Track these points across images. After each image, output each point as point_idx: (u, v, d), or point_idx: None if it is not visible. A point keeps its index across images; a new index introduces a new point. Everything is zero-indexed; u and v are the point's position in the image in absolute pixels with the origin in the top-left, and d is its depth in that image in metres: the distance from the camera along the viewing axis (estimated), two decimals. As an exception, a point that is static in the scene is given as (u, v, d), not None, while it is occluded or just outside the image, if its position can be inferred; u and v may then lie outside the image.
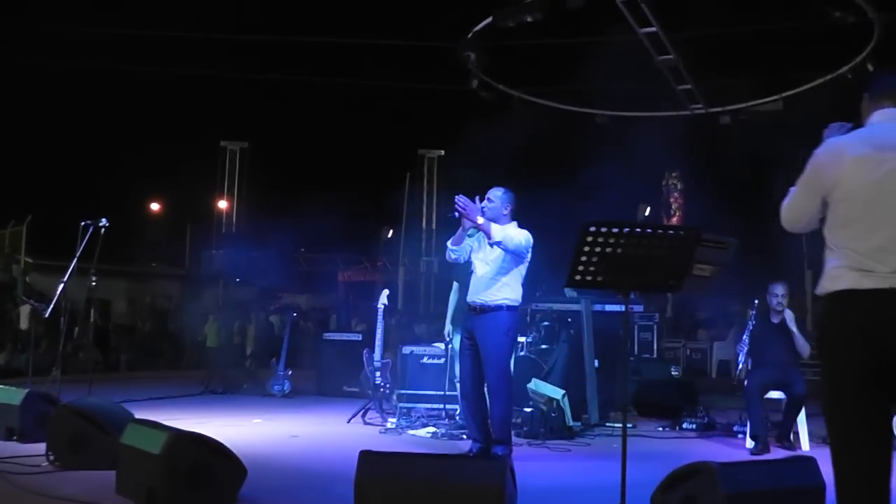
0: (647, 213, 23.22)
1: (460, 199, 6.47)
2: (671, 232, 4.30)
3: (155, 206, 32.11)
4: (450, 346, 8.87)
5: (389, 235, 26.68)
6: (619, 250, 4.11)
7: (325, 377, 12.10)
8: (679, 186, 25.06)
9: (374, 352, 9.19)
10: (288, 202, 24.81)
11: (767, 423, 7.99)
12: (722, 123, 14.95)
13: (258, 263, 17.59)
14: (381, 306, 9.24)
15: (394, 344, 10.97)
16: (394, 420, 8.74)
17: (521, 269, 6.74)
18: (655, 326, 14.07)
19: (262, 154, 24.83)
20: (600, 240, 4.10)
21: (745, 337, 8.10)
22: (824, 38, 12.89)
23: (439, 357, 9.59)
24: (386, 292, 9.39)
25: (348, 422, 8.95)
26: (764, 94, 14.34)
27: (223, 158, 24.01)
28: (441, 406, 9.22)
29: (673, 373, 11.68)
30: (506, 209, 6.72)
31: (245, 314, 18.57)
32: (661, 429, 9.10)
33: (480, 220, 6.42)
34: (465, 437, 7.43)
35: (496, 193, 6.75)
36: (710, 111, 14.80)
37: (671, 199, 25.07)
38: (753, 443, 7.74)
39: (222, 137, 24.11)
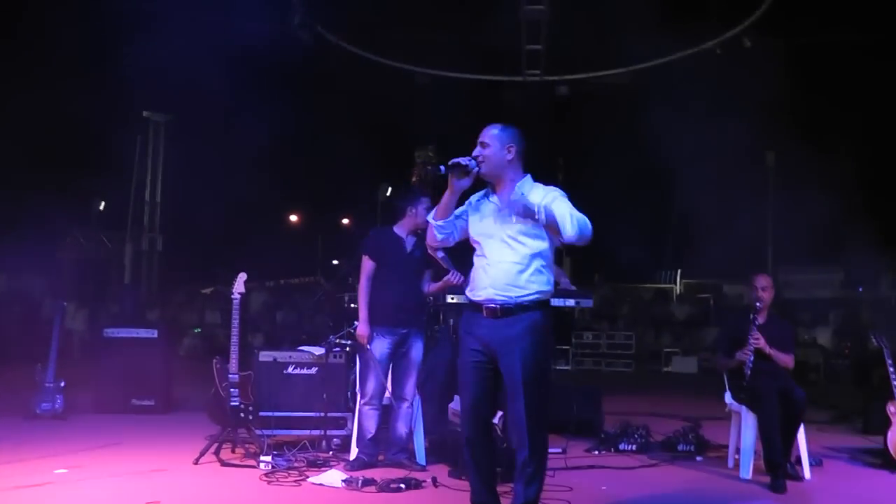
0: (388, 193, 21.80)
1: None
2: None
3: None
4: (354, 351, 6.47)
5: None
6: None
7: (105, 387, 9.07)
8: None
9: (228, 361, 6.51)
10: None
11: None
12: (558, 94, 13.30)
13: None
14: (237, 296, 6.59)
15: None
16: (267, 458, 6.11)
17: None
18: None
19: None
20: None
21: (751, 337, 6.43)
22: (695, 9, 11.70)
23: (310, 366, 7.04)
24: (243, 276, 6.70)
25: (196, 462, 6.22)
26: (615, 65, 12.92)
27: None
28: (315, 432, 6.73)
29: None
30: (510, 153, 4.45)
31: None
32: (596, 452, 7.22)
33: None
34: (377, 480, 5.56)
35: (492, 133, 4.49)
36: (546, 79, 13.08)
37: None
38: (772, 474, 6.00)
39: None
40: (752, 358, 6.44)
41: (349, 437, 6.62)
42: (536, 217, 4.19)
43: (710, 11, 11.49)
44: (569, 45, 12.55)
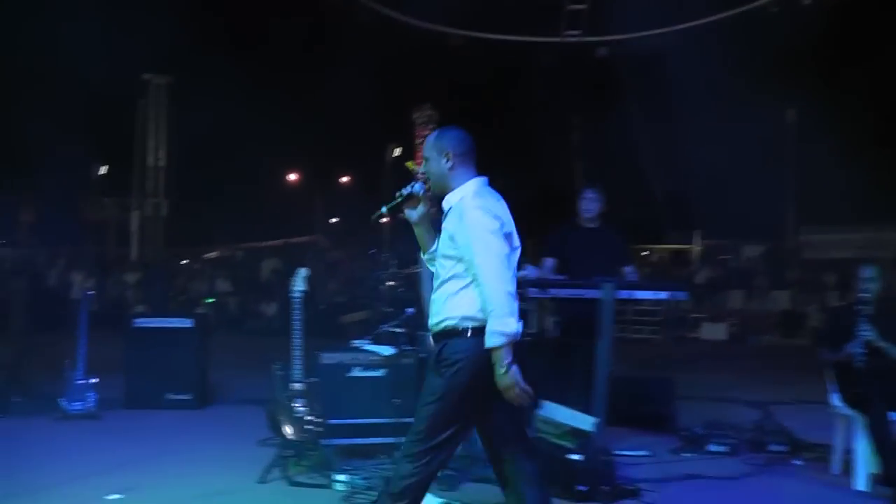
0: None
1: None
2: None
3: None
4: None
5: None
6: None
7: (137, 381, 8.45)
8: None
9: (292, 366, 5.89)
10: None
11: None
12: (597, 55, 12.59)
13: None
14: (297, 293, 5.95)
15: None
16: (342, 477, 5.51)
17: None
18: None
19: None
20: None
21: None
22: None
23: (377, 368, 6.42)
24: (304, 272, 6.04)
25: (262, 481, 5.62)
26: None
27: None
28: (388, 440, 6.12)
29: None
30: (448, 160, 3.86)
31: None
32: (685, 455, 6.66)
33: None
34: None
35: (428, 143, 3.97)
36: (586, 40, 12.36)
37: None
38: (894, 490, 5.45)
39: None
40: (861, 351, 5.88)
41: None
42: None
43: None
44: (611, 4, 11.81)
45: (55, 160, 20.41)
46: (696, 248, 26.72)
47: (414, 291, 8.46)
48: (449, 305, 3.71)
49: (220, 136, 22.12)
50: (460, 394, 3.62)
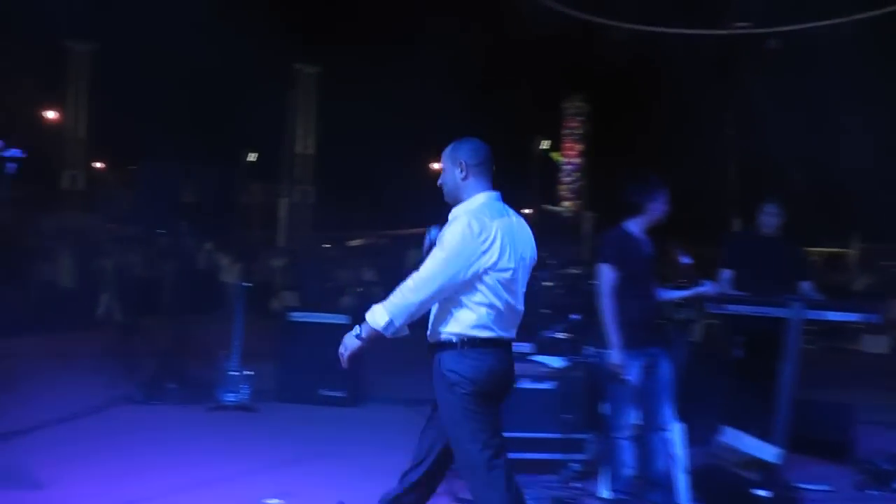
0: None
1: None
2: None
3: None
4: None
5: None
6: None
7: (291, 375, 8.47)
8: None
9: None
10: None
11: None
12: (767, 47, 11.94)
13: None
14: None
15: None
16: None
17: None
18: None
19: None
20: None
21: None
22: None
23: (544, 380, 6.14)
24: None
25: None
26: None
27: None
28: (552, 456, 5.86)
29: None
30: (462, 171, 3.94)
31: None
32: (873, 493, 6.14)
33: None
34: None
35: (445, 152, 4.05)
36: (755, 32, 11.71)
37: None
38: None
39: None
40: None
41: (590, 461, 5.79)
42: None
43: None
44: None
45: (208, 147, 21.00)
46: (852, 252, 25.36)
47: (578, 296, 8.15)
48: (440, 318, 3.81)
49: (366, 125, 22.28)
50: (471, 409, 3.72)
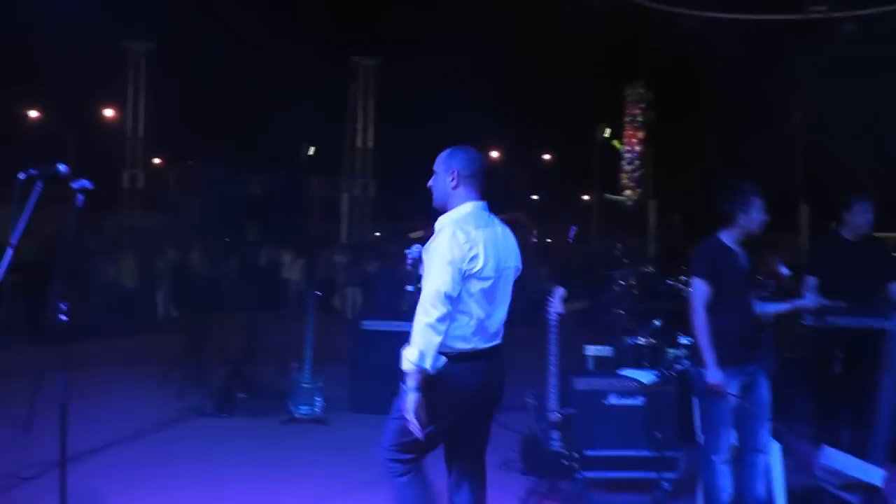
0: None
1: None
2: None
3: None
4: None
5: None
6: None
7: (363, 385, 8.24)
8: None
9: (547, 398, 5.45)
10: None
11: None
12: (844, 32, 11.46)
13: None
14: (554, 316, 5.47)
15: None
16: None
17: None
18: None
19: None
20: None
21: None
22: None
23: (634, 395, 5.89)
24: (560, 292, 5.54)
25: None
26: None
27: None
28: (644, 474, 5.62)
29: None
30: (453, 179, 4.00)
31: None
32: None
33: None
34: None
35: (439, 158, 4.10)
36: (831, 16, 11.25)
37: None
38: None
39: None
40: None
41: (681, 480, 5.54)
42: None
43: None
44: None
45: (267, 143, 20.97)
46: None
47: (657, 298, 7.86)
48: None
49: (425, 116, 22.11)
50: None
